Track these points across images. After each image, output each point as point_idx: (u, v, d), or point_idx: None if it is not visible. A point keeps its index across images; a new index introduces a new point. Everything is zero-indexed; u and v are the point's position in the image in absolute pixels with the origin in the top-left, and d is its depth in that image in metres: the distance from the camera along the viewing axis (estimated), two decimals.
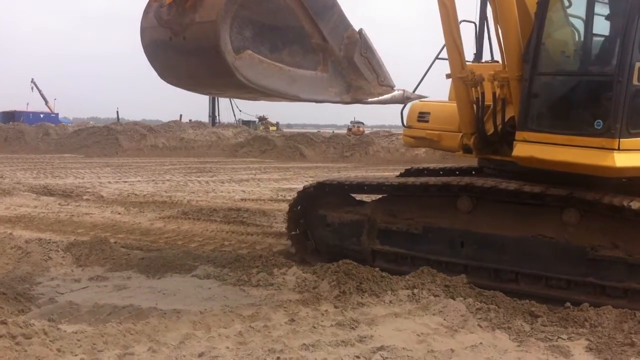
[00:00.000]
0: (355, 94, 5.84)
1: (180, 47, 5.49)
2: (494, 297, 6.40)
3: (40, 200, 14.62)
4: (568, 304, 6.26)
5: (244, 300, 6.54)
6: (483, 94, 7.48)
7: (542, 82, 6.99)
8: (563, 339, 5.41)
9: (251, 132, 52.77)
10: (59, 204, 14.18)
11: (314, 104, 6.01)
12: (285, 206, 14.31)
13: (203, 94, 6.54)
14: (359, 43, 5.77)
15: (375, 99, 5.94)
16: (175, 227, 11.33)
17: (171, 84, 6.17)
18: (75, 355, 4.84)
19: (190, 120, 61.23)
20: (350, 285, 6.64)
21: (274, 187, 19.09)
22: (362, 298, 6.40)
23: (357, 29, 5.84)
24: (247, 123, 76.61)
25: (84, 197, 15.45)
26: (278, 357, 4.87)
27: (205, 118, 75.28)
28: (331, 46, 5.65)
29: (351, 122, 74.95)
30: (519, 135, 7.00)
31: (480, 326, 5.70)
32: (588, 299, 6.34)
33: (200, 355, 4.95)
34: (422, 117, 8.72)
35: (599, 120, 6.47)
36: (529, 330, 5.61)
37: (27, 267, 7.76)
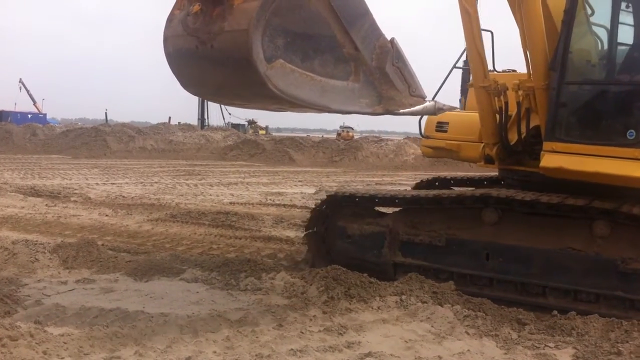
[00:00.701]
0: (386, 105, 5.67)
1: (207, 56, 5.30)
2: (482, 305, 6.42)
3: (27, 201, 14.52)
4: (555, 312, 6.28)
5: (231, 304, 6.52)
6: (507, 103, 7.37)
7: (570, 91, 6.88)
8: (550, 347, 5.43)
9: (240, 136, 52.75)
10: (46, 205, 14.08)
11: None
12: (274, 210, 14.37)
13: (228, 105, 6.38)
14: (391, 52, 5.61)
15: (407, 110, 5.78)
16: (163, 230, 11.29)
17: (195, 94, 6.01)
18: (62, 358, 4.82)
19: (179, 122, 61.01)
20: (338, 291, 6.63)
21: (262, 191, 19.06)
22: (350, 304, 6.40)
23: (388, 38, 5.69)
24: (236, 126, 76.58)
25: (72, 199, 15.37)
26: None
27: (194, 121, 75.04)
28: (363, 56, 5.49)
29: (340, 127, 75.17)
30: (546, 145, 6.85)
31: (468, 333, 5.71)
32: (617, 313, 6.20)
33: (187, 359, 4.93)
34: (441, 127, 8.60)
35: (632, 131, 6.35)
36: (517, 338, 5.63)
37: (14, 268, 7.71)
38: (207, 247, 9.88)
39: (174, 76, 5.83)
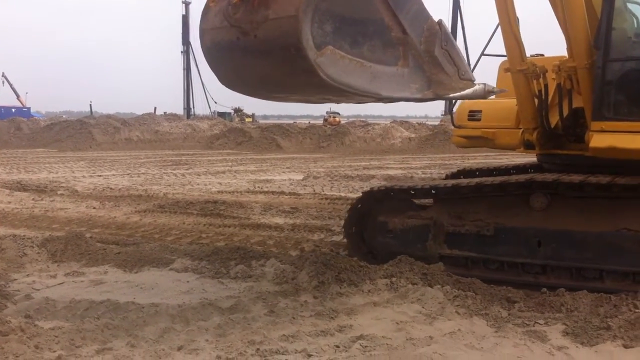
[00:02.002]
0: (436, 89, 5.50)
1: (250, 47, 5.06)
2: (472, 284, 6.45)
3: (13, 195, 14.44)
4: (544, 289, 6.33)
5: (222, 292, 6.52)
6: (546, 86, 7.23)
7: (615, 68, 6.73)
8: (540, 323, 5.47)
9: (227, 124, 52.64)
10: (33, 199, 14.02)
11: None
12: (262, 198, 14.37)
13: (270, 98, 6.14)
14: (439, 35, 5.41)
15: (457, 94, 5.64)
16: (151, 220, 11.26)
17: (235, 89, 5.77)
18: (53, 351, 4.81)
19: (164, 112, 60.86)
20: (329, 276, 6.65)
21: (250, 178, 19.04)
22: (341, 288, 6.41)
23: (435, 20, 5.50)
24: (222, 115, 76.39)
25: (58, 192, 15.29)
26: (257, 349, 4.87)
27: (180, 110, 75.01)
28: (411, 39, 5.28)
29: (327, 112, 75.06)
30: (594, 125, 6.72)
31: (458, 313, 5.75)
32: None
33: (180, 348, 4.93)
34: (473, 115, 8.45)
35: None
36: (507, 316, 5.67)
37: (2, 263, 7.66)
38: (196, 236, 9.87)
39: (211, 72, 5.61)
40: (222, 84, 5.69)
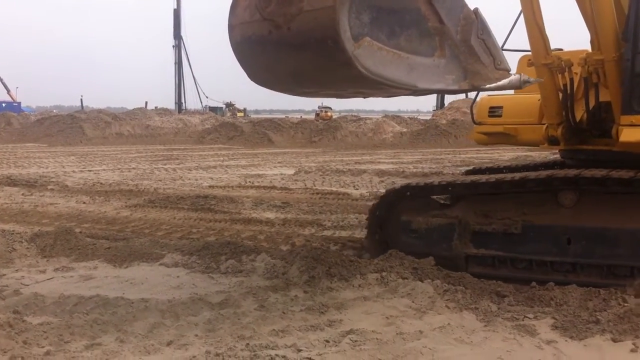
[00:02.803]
0: (472, 80, 5.33)
1: (282, 41, 4.92)
2: (462, 279, 6.45)
3: (3, 190, 14.37)
4: (534, 283, 6.34)
5: (212, 287, 6.51)
6: (572, 80, 7.05)
7: None
8: (529, 317, 5.48)
9: (218, 119, 52.60)
10: (23, 194, 13.96)
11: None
12: (253, 192, 14.35)
13: (300, 94, 6.01)
14: (475, 24, 5.25)
15: (493, 84, 5.46)
16: (142, 215, 11.23)
17: (265, 85, 5.63)
18: (42, 347, 4.78)
19: (156, 107, 60.64)
20: (319, 270, 6.64)
21: (242, 173, 19.01)
22: (331, 283, 6.41)
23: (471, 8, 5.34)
24: (214, 109, 76.35)
25: (48, 187, 15.23)
26: (247, 344, 4.86)
27: (171, 105, 74.77)
28: (448, 28, 5.12)
29: (319, 107, 74.94)
30: (624, 119, 6.61)
31: (448, 307, 5.75)
32: None
33: (169, 343, 4.92)
34: (494, 111, 8.28)
35: None
36: (496, 310, 5.68)
37: None
38: (186, 231, 9.85)
39: (240, 67, 5.49)
40: (252, 80, 5.57)
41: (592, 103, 7.01)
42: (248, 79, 5.61)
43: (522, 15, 7.21)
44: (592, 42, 7.00)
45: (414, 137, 36.78)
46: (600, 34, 6.74)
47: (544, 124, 7.56)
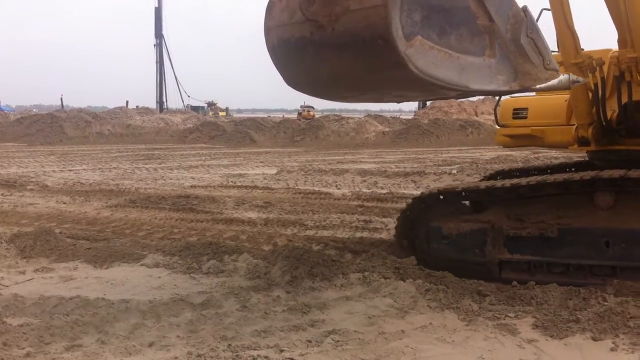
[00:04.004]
0: (522, 80, 5.18)
1: (325, 42, 4.75)
2: (443, 278, 6.48)
3: None
4: (515, 282, 6.38)
5: (194, 288, 6.48)
6: (603, 79, 6.90)
7: None
8: (510, 317, 5.51)
9: (200, 118, 52.49)
10: (2, 194, 13.83)
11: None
12: (235, 192, 14.32)
13: (339, 99, 5.87)
14: (525, 22, 5.12)
15: (543, 85, 5.30)
16: (122, 215, 11.16)
17: (303, 89, 5.48)
18: (22, 348, 4.74)
19: (137, 106, 60.35)
20: (301, 270, 6.64)
21: (223, 173, 18.97)
22: (313, 283, 6.41)
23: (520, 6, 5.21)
24: (195, 109, 76.10)
25: (28, 187, 15.09)
26: (229, 344, 4.84)
27: (152, 104, 74.42)
28: (498, 27, 4.97)
29: (301, 106, 74.92)
30: None
31: (430, 307, 5.77)
32: None
33: (151, 344, 4.89)
34: (518, 113, 8.14)
35: None
36: (477, 310, 5.70)
37: None
38: (168, 231, 9.80)
39: (277, 72, 5.34)
40: (288, 84, 5.42)
41: (625, 102, 6.88)
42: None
43: (542, 14, 7.09)
44: (619, 41, 6.89)
45: (396, 137, 36.90)
46: (634, 31, 6.62)
47: (572, 125, 7.42)
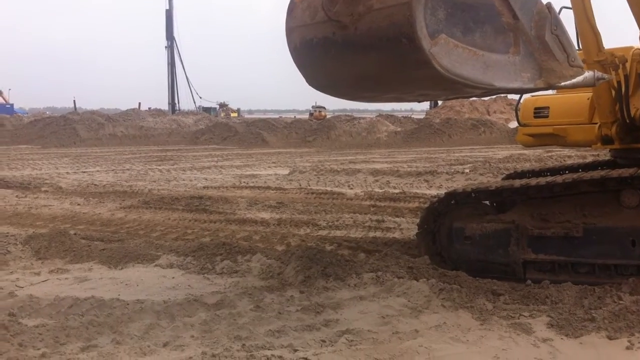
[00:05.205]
0: (547, 78, 5.11)
1: (349, 42, 4.73)
2: (457, 277, 6.46)
3: None
4: (529, 281, 6.35)
5: (208, 288, 6.50)
6: (626, 76, 6.83)
7: None
8: (525, 316, 5.49)
9: (212, 119, 52.65)
10: (17, 196, 13.91)
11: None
12: (248, 193, 14.34)
13: (359, 99, 5.87)
14: (549, 19, 5.05)
15: (568, 82, 5.22)
16: (136, 216, 11.20)
17: (325, 89, 5.45)
18: (37, 349, 4.76)
19: (149, 108, 60.69)
20: (315, 270, 6.64)
21: (236, 173, 19.00)
22: (327, 282, 6.41)
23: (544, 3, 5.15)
24: (207, 110, 76.39)
25: (42, 189, 15.19)
26: (244, 344, 4.85)
27: (164, 106, 74.79)
28: (522, 24, 4.93)
29: (313, 106, 74.98)
30: None
31: (444, 306, 5.76)
32: None
33: (165, 344, 4.91)
34: (540, 112, 8.05)
35: None
36: (492, 309, 5.68)
37: None
38: (181, 232, 9.83)
39: (299, 71, 5.31)
40: (310, 85, 5.41)
41: None
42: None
43: (562, 11, 6.91)
44: None
45: (407, 136, 36.82)
46: None
47: (595, 124, 7.36)
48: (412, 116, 54.31)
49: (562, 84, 5.20)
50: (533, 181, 6.91)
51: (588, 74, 5.39)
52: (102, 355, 4.68)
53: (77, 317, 5.40)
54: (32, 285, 6.71)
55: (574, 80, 5.23)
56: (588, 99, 7.50)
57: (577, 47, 7.26)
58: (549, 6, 5.08)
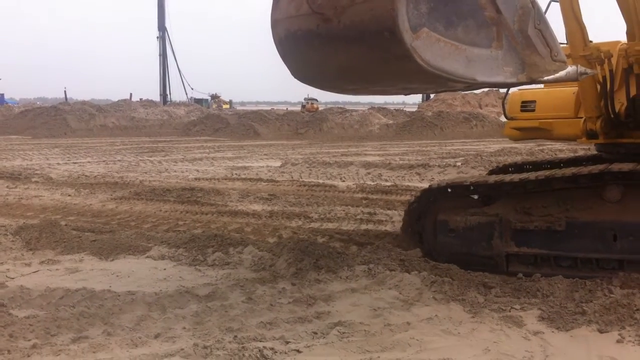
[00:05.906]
0: (530, 72, 5.13)
1: (332, 35, 4.71)
2: (449, 270, 6.48)
3: None
4: (520, 274, 6.37)
5: (199, 280, 6.49)
6: (611, 71, 6.84)
7: None
8: (516, 309, 5.51)
9: (204, 111, 52.51)
10: (7, 186, 13.85)
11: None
12: (240, 185, 14.32)
13: (345, 92, 5.90)
14: (532, 13, 5.05)
15: (551, 77, 5.24)
16: (127, 208, 11.17)
17: (311, 82, 5.45)
18: (28, 340, 4.75)
19: (140, 99, 60.39)
20: (307, 262, 6.64)
21: (228, 165, 18.96)
22: (319, 275, 6.41)
23: None
24: (199, 101, 76.20)
25: (33, 179, 15.11)
26: (235, 336, 4.85)
27: (156, 97, 74.41)
28: (505, 18, 4.92)
29: (305, 99, 74.86)
30: None
31: (435, 299, 5.77)
32: None
33: (157, 336, 4.90)
34: (526, 106, 8.11)
35: None
36: (483, 302, 5.70)
37: None
38: (173, 223, 9.81)
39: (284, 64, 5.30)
40: (295, 77, 5.40)
41: (632, 95, 6.86)
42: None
43: (551, 5, 7.03)
44: (628, 33, 6.85)
45: (400, 129, 36.84)
46: None
47: (580, 118, 7.39)
48: (405, 109, 54.32)
49: (545, 78, 5.23)
50: (507, 177, 7.04)
51: (571, 68, 5.40)
52: (93, 346, 4.66)
53: (68, 308, 5.39)
54: (23, 276, 6.68)
55: (556, 75, 5.26)
56: (574, 93, 7.55)
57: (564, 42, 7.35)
58: (532, 1, 5.07)
